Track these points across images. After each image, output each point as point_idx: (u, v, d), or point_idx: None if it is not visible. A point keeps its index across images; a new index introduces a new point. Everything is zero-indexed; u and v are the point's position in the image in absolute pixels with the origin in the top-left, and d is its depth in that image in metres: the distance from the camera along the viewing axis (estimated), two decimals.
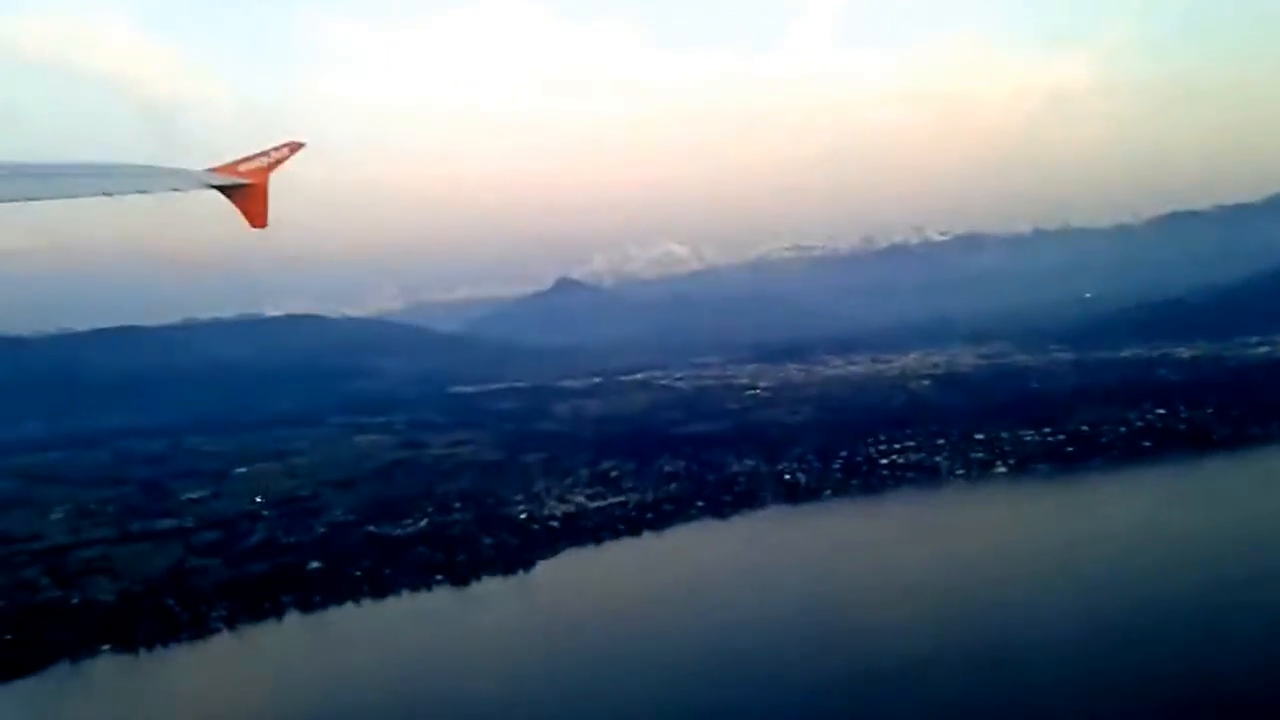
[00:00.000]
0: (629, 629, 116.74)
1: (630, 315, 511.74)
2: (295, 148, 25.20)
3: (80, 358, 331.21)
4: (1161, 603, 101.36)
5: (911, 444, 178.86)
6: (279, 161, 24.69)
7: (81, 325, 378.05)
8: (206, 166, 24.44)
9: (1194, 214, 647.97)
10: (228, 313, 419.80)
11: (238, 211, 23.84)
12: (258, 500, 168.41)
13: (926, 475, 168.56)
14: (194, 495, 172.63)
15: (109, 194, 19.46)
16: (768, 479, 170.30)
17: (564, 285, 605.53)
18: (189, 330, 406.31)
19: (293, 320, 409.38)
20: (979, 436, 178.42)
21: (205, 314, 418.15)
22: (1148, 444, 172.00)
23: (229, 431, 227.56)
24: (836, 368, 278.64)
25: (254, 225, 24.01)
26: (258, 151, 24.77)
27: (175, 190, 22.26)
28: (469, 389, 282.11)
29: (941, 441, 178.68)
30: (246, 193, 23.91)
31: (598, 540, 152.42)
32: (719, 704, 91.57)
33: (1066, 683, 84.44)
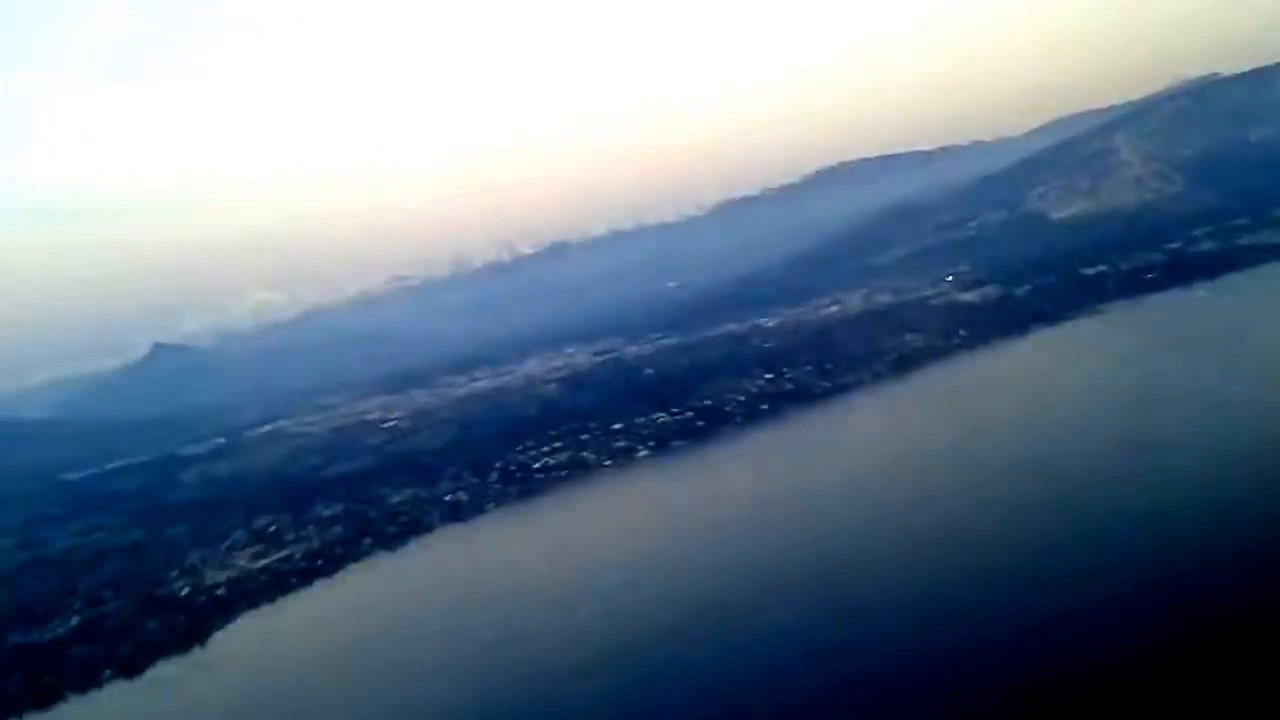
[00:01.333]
0: (324, 680, 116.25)
1: (238, 370, 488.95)
2: None
3: None
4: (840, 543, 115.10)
5: (558, 444, 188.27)
6: None
7: None
8: None
9: (749, 199, 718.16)
10: None
11: None
12: None
13: (579, 470, 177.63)
14: None
15: None
16: (429, 503, 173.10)
17: (160, 351, 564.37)
18: None
19: None
20: (616, 426, 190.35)
21: None
22: (765, 406, 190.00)
23: None
24: (462, 387, 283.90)
25: None
26: None
27: None
28: (80, 474, 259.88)
29: (585, 437, 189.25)
30: None
31: (271, 598, 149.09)
32: None
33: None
